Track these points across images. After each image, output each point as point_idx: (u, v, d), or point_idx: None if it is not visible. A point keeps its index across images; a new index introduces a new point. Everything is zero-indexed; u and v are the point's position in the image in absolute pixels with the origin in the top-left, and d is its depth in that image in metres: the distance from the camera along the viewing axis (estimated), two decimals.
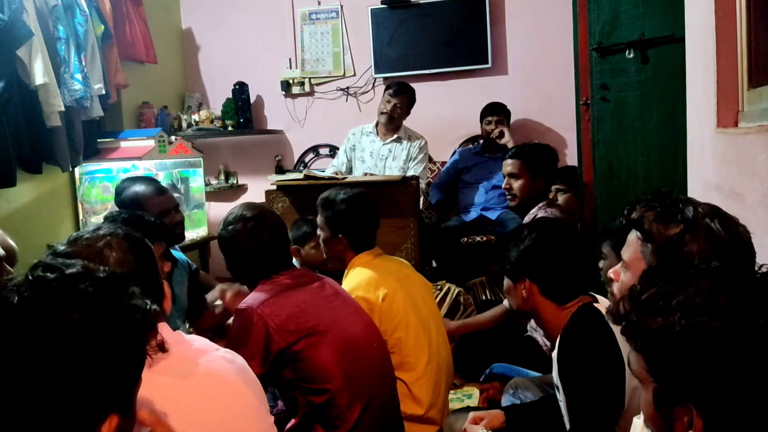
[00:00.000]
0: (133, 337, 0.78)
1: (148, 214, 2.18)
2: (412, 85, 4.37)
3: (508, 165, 2.85)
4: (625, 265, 1.24)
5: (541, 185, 2.83)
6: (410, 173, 3.75)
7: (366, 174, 3.67)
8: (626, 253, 1.24)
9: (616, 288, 1.30)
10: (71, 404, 0.71)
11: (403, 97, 3.83)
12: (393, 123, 3.86)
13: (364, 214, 2.20)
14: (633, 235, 1.22)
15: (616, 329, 0.88)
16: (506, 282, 1.66)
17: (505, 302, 2.61)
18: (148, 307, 0.81)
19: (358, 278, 2.15)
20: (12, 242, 2.13)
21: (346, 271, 2.23)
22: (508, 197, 2.91)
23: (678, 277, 0.81)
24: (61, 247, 1.19)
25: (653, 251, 1.15)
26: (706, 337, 0.75)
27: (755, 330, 0.74)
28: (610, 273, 1.31)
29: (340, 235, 2.18)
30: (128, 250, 1.22)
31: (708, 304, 0.76)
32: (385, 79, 4.47)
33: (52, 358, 0.70)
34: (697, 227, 1.11)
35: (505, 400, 2.00)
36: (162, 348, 0.90)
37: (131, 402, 0.81)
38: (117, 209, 2.66)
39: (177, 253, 2.47)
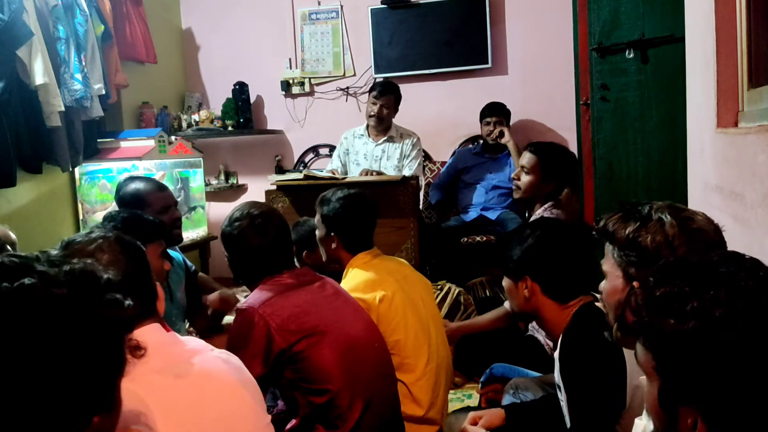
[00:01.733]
0: (104, 337, 0.75)
1: (149, 211, 2.20)
2: (412, 85, 4.37)
3: (525, 157, 2.81)
4: (605, 274, 1.29)
5: (549, 188, 2.78)
6: (406, 171, 3.74)
7: (367, 171, 3.64)
8: (604, 263, 1.29)
9: (602, 300, 1.32)
10: (49, 412, 0.69)
11: (388, 97, 3.82)
12: (383, 124, 3.85)
13: (357, 213, 2.18)
14: (607, 245, 1.27)
15: None
16: (507, 282, 1.66)
17: (506, 304, 2.60)
18: (122, 303, 0.79)
19: (356, 280, 2.14)
20: (12, 235, 2.13)
21: (344, 272, 2.21)
22: (514, 187, 2.88)
23: (695, 276, 0.80)
24: (54, 252, 1.20)
25: (619, 253, 1.22)
26: (719, 348, 0.74)
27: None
28: (600, 287, 1.33)
29: (332, 234, 2.17)
30: (120, 252, 1.23)
31: (724, 316, 0.75)
32: (384, 79, 4.47)
33: (15, 368, 0.68)
34: (649, 221, 1.19)
35: (505, 400, 2.00)
36: (136, 351, 0.88)
37: (114, 398, 0.80)
38: (117, 208, 2.67)
39: (173, 253, 2.46)
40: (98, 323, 0.74)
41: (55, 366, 0.69)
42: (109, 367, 0.76)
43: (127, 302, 0.79)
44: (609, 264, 1.26)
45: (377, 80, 4.38)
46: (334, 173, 3.60)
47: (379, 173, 3.56)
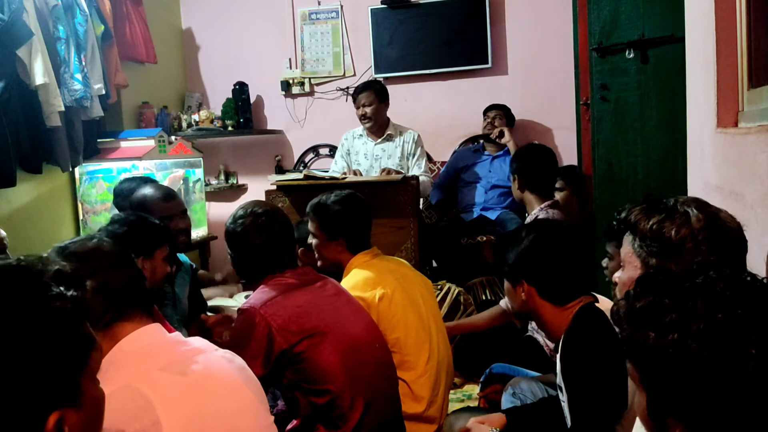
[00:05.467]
0: (52, 328, 0.74)
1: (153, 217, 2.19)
2: (412, 85, 4.37)
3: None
4: (623, 264, 1.29)
5: (517, 184, 2.84)
6: (414, 171, 3.72)
7: (389, 170, 3.58)
8: (622, 252, 1.29)
9: (618, 290, 1.32)
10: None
11: (366, 94, 3.73)
12: (376, 122, 3.79)
13: (359, 213, 2.20)
14: (627, 235, 1.27)
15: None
16: (506, 284, 1.66)
17: (502, 303, 2.61)
18: (69, 294, 0.77)
19: (355, 278, 2.14)
20: (2, 231, 2.13)
21: (344, 273, 2.21)
22: None
23: (673, 287, 0.80)
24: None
25: (641, 243, 1.22)
26: (698, 363, 0.74)
27: (746, 360, 0.73)
28: (614, 278, 1.33)
29: (339, 238, 2.16)
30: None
31: (702, 331, 0.75)
32: (385, 79, 4.47)
33: None
34: (675, 214, 1.19)
35: (505, 400, 2.00)
36: None
37: (78, 393, 0.77)
38: (116, 210, 2.66)
39: (181, 256, 2.46)
40: (33, 318, 0.73)
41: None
42: (57, 361, 0.74)
43: (71, 293, 0.78)
44: (627, 254, 1.25)
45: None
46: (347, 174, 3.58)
47: (398, 172, 3.49)
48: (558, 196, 3.32)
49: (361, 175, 3.58)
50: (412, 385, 2.08)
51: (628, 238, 1.25)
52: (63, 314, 0.76)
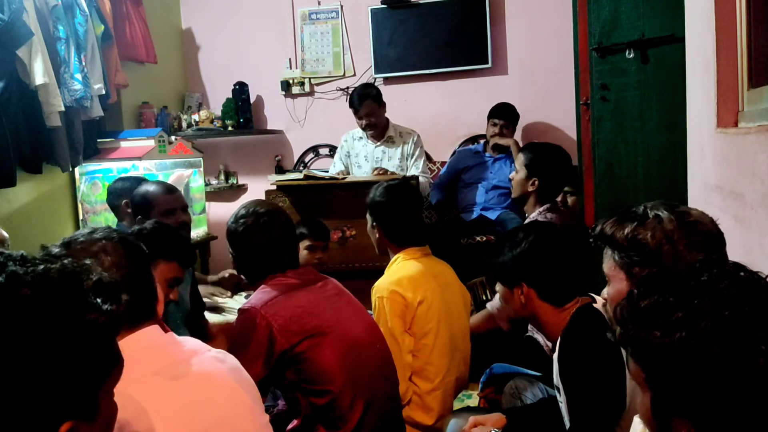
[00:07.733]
0: (73, 341, 0.71)
1: (155, 213, 2.22)
2: (412, 85, 4.35)
3: (518, 157, 2.85)
4: (608, 279, 1.29)
5: (535, 187, 2.77)
6: (412, 171, 3.73)
7: (378, 169, 3.59)
8: (605, 267, 1.29)
9: (608, 306, 1.31)
10: (14, 412, 0.67)
11: (366, 105, 3.71)
12: (377, 128, 3.80)
13: (399, 206, 2.21)
14: (605, 249, 1.27)
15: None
16: (501, 288, 1.64)
17: (489, 306, 2.59)
18: (100, 308, 0.75)
19: (401, 273, 2.15)
20: (3, 232, 2.14)
21: (389, 264, 2.24)
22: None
23: (678, 285, 0.80)
24: (56, 249, 1.19)
25: (620, 255, 1.22)
26: (707, 361, 0.74)
27: (756, 356, 0.73)
28: (603, 295, 1.32)
29: (375, 224, 2.23)
30: (123, 255, 1.23)
31: (710, 328, 0.75)
32: (385, 79, 4.47)
33: None
34: (647, 219, 1.20)
35: (505, 400, 2.00)
36: None
37: (94, 407, 0.76)
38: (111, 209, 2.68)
39: None
40: (65, 327, 0.71)
41: (9, 367, 0.67)
42: (81, 372, 0.72)
43: (107, 306, 0.76)
44: (610, 268, 1.25)
45: (350, 93, 4.31)
46: (338, 175, 3.58)
47: (393, 173, 3.52)
48: (569, 200, 3.30)
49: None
50: (424, 396, 2.08)
51: (607, 253, 1.26)
52: (96, 327, 0.74)
